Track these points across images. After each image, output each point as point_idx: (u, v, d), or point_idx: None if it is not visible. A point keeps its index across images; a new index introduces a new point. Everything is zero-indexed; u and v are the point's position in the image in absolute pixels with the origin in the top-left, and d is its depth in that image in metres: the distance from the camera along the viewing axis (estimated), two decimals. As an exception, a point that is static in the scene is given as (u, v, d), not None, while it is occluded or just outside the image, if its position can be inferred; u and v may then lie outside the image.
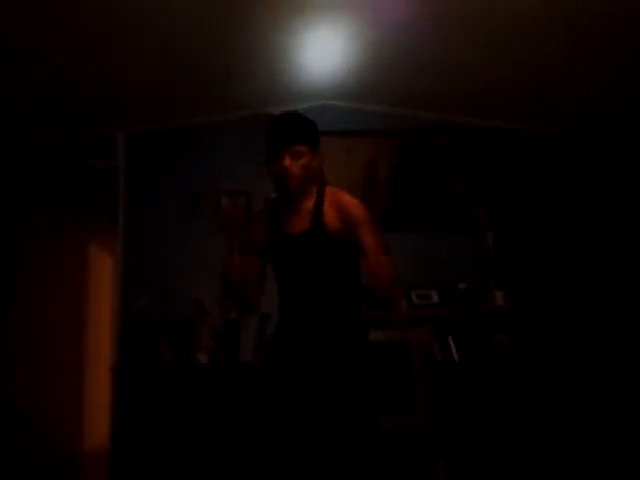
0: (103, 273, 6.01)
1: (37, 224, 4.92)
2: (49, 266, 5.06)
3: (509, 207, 4.49)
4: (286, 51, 3.63)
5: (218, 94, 4.13)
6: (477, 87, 4.02)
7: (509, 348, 4.11)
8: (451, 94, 4.17)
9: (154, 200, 4.39)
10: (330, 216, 2.10)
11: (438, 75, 3.90)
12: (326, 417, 2.03)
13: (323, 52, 3.70)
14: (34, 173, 4.59)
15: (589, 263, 4.42)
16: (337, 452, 2.01)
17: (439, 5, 3.07)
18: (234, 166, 4.41)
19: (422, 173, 4.49)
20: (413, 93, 4.20)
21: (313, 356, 2.08)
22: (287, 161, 2.12)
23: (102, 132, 4.40)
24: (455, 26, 3.30)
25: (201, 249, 4.30)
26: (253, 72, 3.84)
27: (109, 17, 3.01)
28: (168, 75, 3.75)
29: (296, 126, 2.19)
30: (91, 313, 5.83)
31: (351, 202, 2.12)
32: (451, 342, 4.07)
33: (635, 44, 3.32)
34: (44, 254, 5.01)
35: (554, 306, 4.33)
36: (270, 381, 2.17)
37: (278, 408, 2.12)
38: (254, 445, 2.16)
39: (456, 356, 4.05)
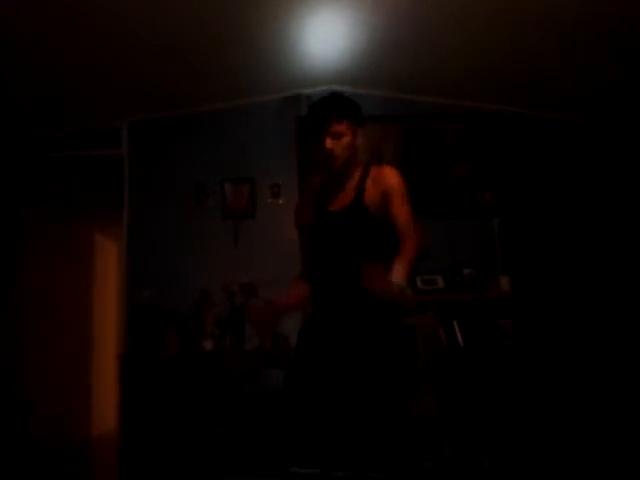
0: (109, 262, 6.04)
1: (42, 214, 4.94)
2: (55, 255, 5.09)
3: (515, 192, 4.48)
4: (290, 37, 3.62)
5: (221, 82, 4.11)
6: (480, 71, 4.00)
7: (514, 333, 4.11)
8: (456, 79, 4.15)
9: (159, 188, 4.39)
10: (371, 193, 2.13)
11: (441, 60, 3.88)
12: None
13: (327, 38, 3.69)
14: (39, 163, 4.60)
15: (594, 248, 4.41)
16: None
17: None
18: (238, 154, 4.41)
19: (427, 158, 4.47)
20: (418, 78, 4.18)
21: (352, 326, 2.10)
22: (329, 142, 2.12)
23: (106, 121, 4.40)
24: (457, 11, 3.28)
25: (206, 237, 4.31)
26: (257, 59, 3.83)
27: (112, 6, 3.00)
28: (171, 64, 3.74)
29: (333, 106, 2.16)
30: (97, 302, 5.87)
31: (390, 173, 2.18)
32: (456, 327, 4.08)
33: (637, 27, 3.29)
34: (50, 243, 5.03)
35: (559, 291, 4.32)
36: (307, 350, 2.16)
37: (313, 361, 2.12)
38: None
39: (461, 341, 4.05)
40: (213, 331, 3.98)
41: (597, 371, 4.12)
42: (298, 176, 4.34)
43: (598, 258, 4.39)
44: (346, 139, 2.15)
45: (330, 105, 2.18)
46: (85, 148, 4.48)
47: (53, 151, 4.49)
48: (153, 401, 3.98)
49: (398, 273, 2.01)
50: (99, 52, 3.47)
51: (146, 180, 4.41)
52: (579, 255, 4.39)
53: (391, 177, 2.16)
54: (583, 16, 3.23)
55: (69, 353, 5.23)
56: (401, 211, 2.10)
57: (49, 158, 4.56)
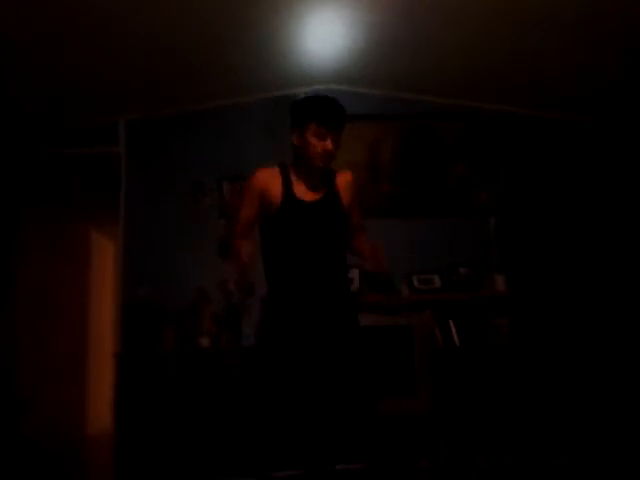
0: (105, 260, 6.03)
1: (39, 211, 4.93)
2: (51, 253, 5.08)
3: (512, 192, 4.49)
4: (289, 36, 3.63)
5: (219, 80, 4.11)
6: (479, 71, 4.01)
7: (509, 332, 4.12)
8: (455, 78, 4.17)
9: (156, 186, 4.39)
10: (340, 190, 2.37)
11: (440, 59, 3.89)
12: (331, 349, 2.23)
13: (325, 37, 3.69)
14: (35, 160, 4.58)
15: (590, 248, 4.42)
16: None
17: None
18: (236, 152, 4.40)
19: (424, 157, 4.48)
20: (416, 77, 4.19)
21: (323, 305, 2.27)
22: (330, 144, 2.25)
23: (103, 118, 4.39)
24: (456, 10, 3.29)
25: (203, 235, 4.30)
26: (255, 57, 3.83)
27: (111, 6, 3.00)
28: (169, 62, 3.74)
29: (341, 114, 2.30)
30: (94, 299, 5.86)
31: (357, 182, 2.48)
32: (452, 326, 4.09)
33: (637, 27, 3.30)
34: (46, 241, 5.02)
35: (555, 291, 4.33)
36: (280, 330, 2.27)
37: (289, 349, 2.24)
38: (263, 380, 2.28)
39: (457, 340, 4.06)
40: (210, 328, 3.98)
41: (593, 370, 4.12)
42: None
43: (595, 258, 4.41)
44: (338, 143, 2.30)
45: (338, 111, 2.30)
46: (82, 145, 4.46)
47: (50, 148, 4.47)
48: (149, 399, 3.97)
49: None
50: (98, 50, 3.47)
51: (143, 178, 4.40)
52: (576, 255, 4.41)
53: (357, 188, 2.46)
54: (583, 16, 3.24)
55: (65, 351, 5.22)
56: (358, 210, 2.44)
57: (46, 155, 4.53)
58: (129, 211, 4.37)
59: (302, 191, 2.30)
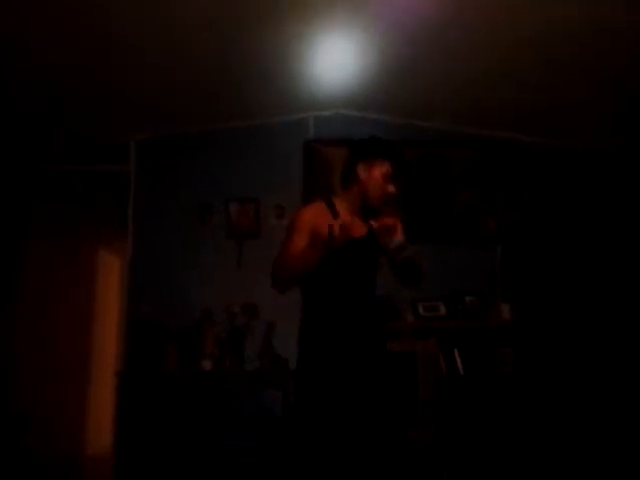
0: (111, 277, 6.04)
1: (47, 227, 4.95)
2: (58, 269, 5.09)
3: (518, 220, 4.48)
4: (298, 60, 3.65)
5: (229, 102, 4.15)
6: (490, 99, 4.03)
7: (514, 362, 4.09)
8: (463, 105, 4.19)
9: (164, 206, 4.41)
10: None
11: (450, 87, 3.91)
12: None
13: (336, 62, 3.72)
14: (45, 176, 4.62)
15: (597, 279, 4.40)
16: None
17: (450, 17, 3.08)
18: (244, 174, 4.43)
19: (432, 184, 4.49)
20: (425, 104, 4.21)
21: (362, 335, 2.30)
22: (393, 188, 2.33)
23: (114, 138, 4.43)
24: (468, 41, 3.32)
25: (209, 256, 4.31)
26: (265, 80, 3.86)
27: (124, 23, 3.04)
28: (181, 83, 3.78)
29: (405, 162, 2.44)
30: (98, 317, 5.85)
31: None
32: (456, 355, 4.05)
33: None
34: (53, 257, 5.03)
35: (561, 321, 4.30)
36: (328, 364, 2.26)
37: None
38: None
39: (461, 369, 4.03)
40: (213, 351, 3.96)
41: (600, 400, 4.08)
42: (302, 198, 4.35)
43: (601, 287, 4.38)
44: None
45: (399, 155, 2.38)
46: (91, 163, 4.51)
47: (60, 164, 4.52)
48: (150, 419, 3.95)
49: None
50: (112, 70, 3.51)
51: (152, 197, 4.43)
52: (581, 284, 4.38)
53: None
54: (592, 49, 3.27)
55: (67, 368, 5.20)
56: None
57: (55, 171, 4.58)
58: (137, 229, 4.39)
59: (352, 227, 2.25)
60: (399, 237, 2.19)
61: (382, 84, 4.00)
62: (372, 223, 2.27)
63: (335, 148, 4.17)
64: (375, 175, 2.29)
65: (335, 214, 2.31)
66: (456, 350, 4.06)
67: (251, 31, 3.24)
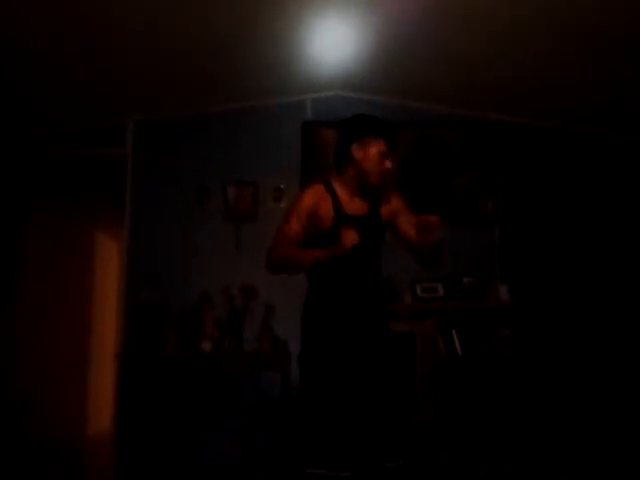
0: (110, 260, 6.03)
1: (45, 210, 4.94)
2: (56, 253, 5.09)
3: (517, 202, 4.48)
4: (297, 42, 3.63)
5: (227, 85, 4.12)
6: (487, 81, 4.01)
7: (513, 342, 4.12)
8: (461, 87, 4.16)
9: (161, 189, 4.40)
10: (383, 207, 2.44)
11: (448, 68, 3.88)
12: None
13: (334, 43, 3.69)
14: (42, 160, 4.60)
15: (594, 258, 4.41)
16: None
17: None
18: (242, 156, 4.42)
19: (430, 166, 4.48)
20: (423, 85, 4.19)
21: (363, 313, 2.34)
22: (390, 164, 2.34)
23: (112, 120, 4.41)
24: (468, 21, 3.29)
25: (207, 238, 4.31)
26: (264, 62, 3.83)
27: (124, 5, 3.01)
28: (179, 66, 3.75)
29: (397, 136, 2.39)
30: (98, 300, 5.86)
31: (397, 197, 2.52)
32: (455, 336, 4.08)
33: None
34: (51, 240, 5.03)
35: (559, 301, 4.32)
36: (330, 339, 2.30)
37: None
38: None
39: (459, 350, 4.05)
40: (212, 333, 3.97)
41: (597, 381, 4.12)
42: (300, 181, 4.35)
43: (599, 268, 4.40)
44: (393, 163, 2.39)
45: (395, 135, 2.37)
46: (89, 146, 4.49)
47: (57, 148, 4.49)
48: (150, 401, 3.99)
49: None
50: (109, 52, 3.47)
51: (149, 180, 4.41)
52: (579, 265, 4.40)
53: (399, 200, 2.49)
54: (587, 28, 3.24)
55: (67, 351, 5.22)
56: (411, 218, 2.38)
57: (52, 155, 4.56)
58: (134, 212, 4.38)
59: (351, 207, 2.34)
60: (437, 236, 2.24)
61: (379, 65, 3.98)
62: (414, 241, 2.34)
63: (333, 129, 4.14)
64: (371, 154, 2.29)
65: (334, 196, 2.33)
66: (454, 331, 4.08)
67: (249, 14, 3.21)
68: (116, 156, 4.46)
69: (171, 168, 4.43)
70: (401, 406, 2.32)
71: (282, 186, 4.37)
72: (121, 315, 4.30)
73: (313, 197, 2.35)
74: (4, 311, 4.49)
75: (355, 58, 3.89)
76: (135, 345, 4.02)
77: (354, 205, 2.34)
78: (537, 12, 3.12)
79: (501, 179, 4.51)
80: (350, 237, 2.15)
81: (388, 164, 2.31)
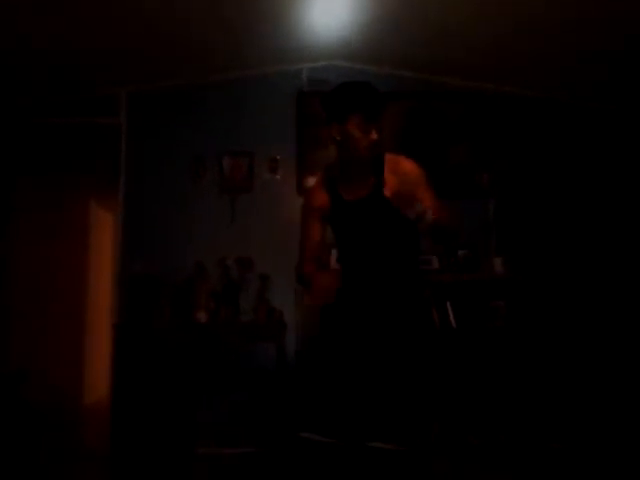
0: (104, 231, 6.03)
1: (37, 181, 4.91)
2: (50, 223, 5.08)
3: (512, 174, 4.47)
4: (292, 10, 3.57)
5: (222, 54, 4.07)
6: (482, 51, 3.97)
7: (506, 315, 4.14)
8: (456, 58, 4.12)
9: (156, 159, 4.36)
10: (390, 182, 2.13)
11: (444, 38, 3.84)
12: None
13: (330, 11, 3.64)
14: (35, 129, 4.55)
15: (589, 232, 4.42)
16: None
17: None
18: (238, 127, 4.38)
19: (426, 138, 4.45)
20: (418, 56, 4.14)
21: (376, 311, 2.19)
22: (375, 134, 2.10)
23: (105, 89, 4.35)
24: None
25: (203, 209, 4.30)
26: (259, 31, 3.78)
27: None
28: (172, 33, 3.69)
29: (380, 100, 2.13)
30: (93, 271, 5.87)
31: (408, 164, 2.17)
32: (449, 308, 4.10)
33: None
34: (45, 211, 5.02)
35: (553, 274, 4.34)
36: (333, 339, 2.23)
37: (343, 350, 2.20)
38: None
39: (454, 322, 4.08)
40: (207, 304, 3.99)
41: (589, 353, 4.16)
42: (297, 151, 4.32)
43: (593, 242, 4.41)
44: (379, 130, 2.13)
45: (377, 98, 2.13)
46: (82, 115, 4.43)
47: (49, 117, 4.44)
48: (146, 371, 4.02)
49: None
50: (101, 19, 3.42)
51: (144, 150, 4.37)
52: (574, 239, 4.41)
53: (411, 169, 2.16)
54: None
55: (64, 322, 5.25)
56: (425, 197, 2.08)
57: (45, 124, 4.50)
58: (129, 183, 4.35)
59: (349, 190, 2.21)
60: (418, 209, 1.98)
61: (375, 35, 3.92)
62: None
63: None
64: (349, 130, 2.10)
65: (332, 182, 2.25)
66: (449, 303, 4.10)
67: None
68: (110, 126, 4.41)
69: (166, 138, 4.38)
70: (410, 394, 2.23)
71: (278, 157, 4.34)
72: (116, 285, 4.30)
73: (314, 192, 2.30)
74: (0, 283, 4.49)
75: (351, 27, 3.84)
76: (131, 315, 4.03)
77: (353, 188, 2.20)
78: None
79: (497, 151, 4.48)
80: (320, 285, 2.08)
81: (374, 135, 2.09)
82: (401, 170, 2.14)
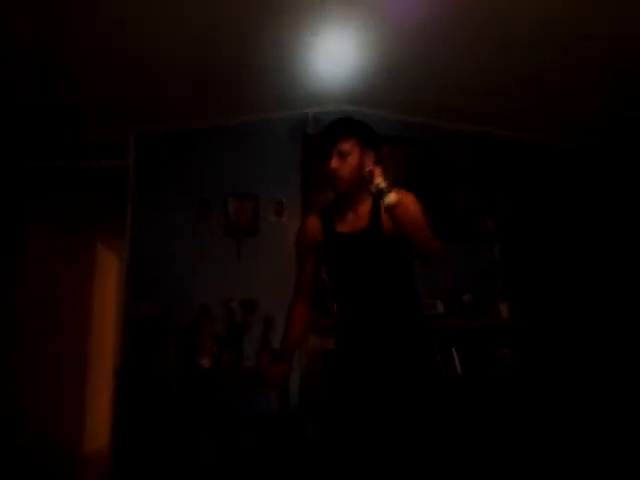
0: (109, 274, 6.03)
1: (45, 223, 4.93)
2: (56, 265, 5.07)
3: (517, 219, 4.47)
4: (299, 55, 3.64)
5: (229, 99, 4.14)
6: (485, 97, 4.03)
7: (513, 362, 4.07)
8: (462, 103, 4.17)
9: (162, 202, 4.39)
10: (388, 219, 2.09)
11: (449, 84, 3.90)
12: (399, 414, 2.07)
13: (336, 58, 3.71)
14: (43, 172, 4.60)
15: (596, 277, 4.39)
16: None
17: (449, 12, 3.06)
18: (243, 170, 4.41)
19: (432, 182, 4.47)
20: (424, 101, 4.20)
21: (378, 356, 2.10)
22: (334, 162, 2.10)
23: (113, 132, 4.41)
24: (466, 39, 3.31)
25: (208, 252, 4.29)
26: (265, 77, 3.85)
27: (124, 20, 3.03)
28: (181, 80, 3.76)
29: (342, 125, 2.17)
30: (96, 314, 5.84)
31: (408, 198, 2.10)
32: (455, 354, 4.04)
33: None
34: (51, 253, 5.02)
35: (560, 320, 4.29)
36: (336, 385, 2.17)
37: (345, 408, 2.12)
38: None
39: (459, 368, 4.01)
40: (211, 349, 3.94)
41: (599, 402, 4.07)
42: (302, 194, 4.34)
43: (600, 287, 4.37)
44: (352, 158, 2.10)
45: (338, 124, 2.19)
46: (90, 158, 4.49)
47: (57, 160, 4.50)
48: (147, 417, 3.94)
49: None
50: (111, 65, 3.49)
51: (150, 193, 4.41)
52: (580, 284, 4.37)
53: (410, 200, 2.10)
54: (585, 46, 3.26)
55: (65, 366, 5.19)
56: (419, 222, 2.10)
57: (52, 168, 4.56)
58: (135, 225, 4.37)
59: (344, 224, 2.19)
60: (377, 182, 2.01)
61: (382, 81, 3.99)
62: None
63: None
64: (325, 171, 2.13)
65: (328, 216, 2.26)
66: (454, 349, 4.04)
67: (250, 29, 3.23)
68: (117, 168, 4.46)
69: (172, 181, 4.42)
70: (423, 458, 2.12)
71: (284, 199, 4.36)
72: (120, 329, 4.26)
73: (308, 226, 2.31)
74: (2, 325, 4.45)
75: (358, 72, 3.91)
76: (134, 360, 3.98)
77: (349, 222, 2.18)
78: (541, 27, 3.14)
79: (502, 196, 4.49)
80: (272, 373, 2.16)
81: (329, 165, 2.09)
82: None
